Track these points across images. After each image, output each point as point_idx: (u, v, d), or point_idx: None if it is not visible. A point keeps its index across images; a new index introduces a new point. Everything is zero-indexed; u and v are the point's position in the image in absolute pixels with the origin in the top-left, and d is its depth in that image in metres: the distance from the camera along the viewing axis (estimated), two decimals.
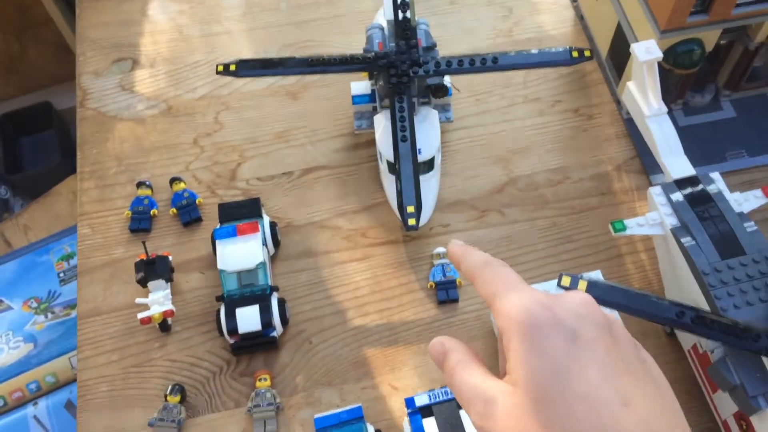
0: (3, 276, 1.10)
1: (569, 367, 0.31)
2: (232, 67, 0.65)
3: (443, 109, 0.74)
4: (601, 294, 0.52)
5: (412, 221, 0.63)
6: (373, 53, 0.67)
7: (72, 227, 1.14)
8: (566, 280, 0.53)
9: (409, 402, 0.58)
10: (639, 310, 0.52)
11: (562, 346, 0.32)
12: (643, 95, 0.65)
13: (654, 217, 0.61)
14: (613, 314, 0.57)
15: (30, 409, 0.98)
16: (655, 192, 0.61)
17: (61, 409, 0.99)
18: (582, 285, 0.53)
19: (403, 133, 0.64)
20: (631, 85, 0.66)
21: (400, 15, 0.68)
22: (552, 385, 0.31)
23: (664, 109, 0.64)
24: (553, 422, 0.31)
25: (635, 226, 0.61)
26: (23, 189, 1.75)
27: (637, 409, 0.31)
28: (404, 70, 0.66)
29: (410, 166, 0.64)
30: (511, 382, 0.33)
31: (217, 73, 0.65)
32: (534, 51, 0.68)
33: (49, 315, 1.06)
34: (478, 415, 0.34)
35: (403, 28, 0.67)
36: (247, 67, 0.66)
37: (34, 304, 1.07)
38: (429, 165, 0.69)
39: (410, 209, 0.63)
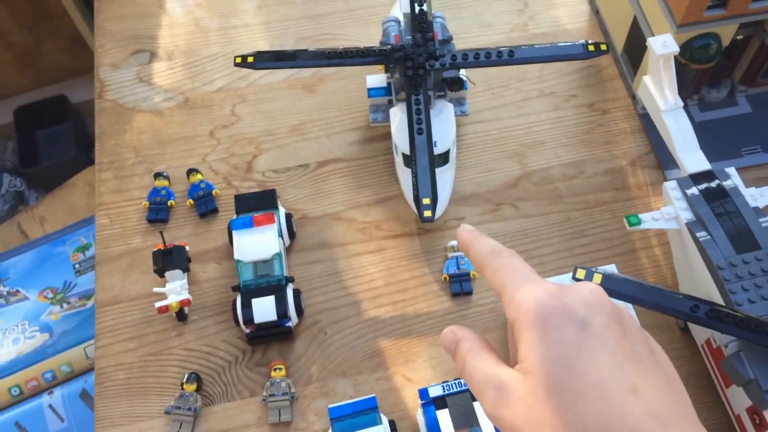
0: (19, 267, 1.11)
1: (579, 356, 0.32)
2: (250, 59, 0.66)
3: (458, 102, 0.74)
4: (616, 287, 0.53)
5: (427, 213, 0.63)
6: (390, 46, 0.67)
7: (88, 219, 1.16)
8: (581, 273, 0.53)
9: (423, 393, 0.58)
10: (653, 303, 0.53)
11: (573, 334, 0.32)
12: (659, 90, 0.65)
13: (669, 212, 0.61)
14: (627, 307, 0.57)
15: (45, 399, 1.00)
16: (671, 186, 0.61)
17: (76, 398, 1.00)
18: (597, 278, 0.53)
19: (419, 126, 0.65)
20: (647, 80, 0.66)
21: (417, 8, 0.68)
22: (563, 373, 0.32)
23: (680, 103, 0.64)
24: (565, 409, 0.31)
25: (650, 221, 0.61)
26: (38, 181, 1.77)
27: (645, 397, 0.31)
28: (420, 63, 0.67)
29: (426, 159, 0.64)
30: (523, 370, 0.33)
31: (235, 64, 0.66)
32: (550, 45, 0.68)
33: (65, 305, 1.07)
34: (490, 402, 0.34)
35: (420, 21, 0.68)
36: (265, 59, 0.66)
37: (50, 295, 1.09)
38: (444, 158, 0.70)
39: (426, 201, 0.63)
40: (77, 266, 1.11)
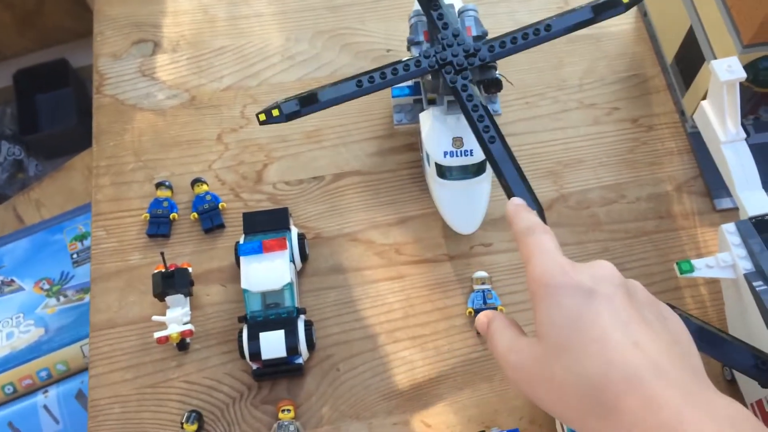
0: (15, 254, 1.06)
1: (585, 317, 0.36)
2: (275, 113, 0.57)
3: (489, 100, 0.67)
4: None
5: None
6: (418, 57, 0.59)
7: (86, 205, 1.10)
8: None
9: None
10: (713, 349, 0.49)
11: (580, 301, 0.36)
12: (720, 118, 0.58)
13: (725, 259, 0.55)
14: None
15: (40, 398, 0.95)
16: (728, 230, 0.55)
17: (72, 399, 0.95)
18: None
19: (490, 135, 0.56)
20: (705, 105, 0.59)
21: (433, 12, 0.59)
22: (570, 333, 0.36)
23: (743, 134, 0.57)
24: (571, 364, 0.35)
25: (704, 268, 0.55)
26: (38, 149, 1.70)
27: (646, 350, 0.34)
28: (461, 65, 0.58)
29: (512, 168, 0.55)
30: (537, 336, 0.38)
31: (261, 123, 0.57)
32: (584, 6, 0.58)
33: (62, 298, 1.02)
34: (511, 366, 0.39)
35: (438, 19, 0.59)
36: (292, 110, 0.57)
37: (46, 286, 1.03)
38: (480, 167, 0.63)
39: None
40: (75, 256, 1.06)
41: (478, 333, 0.63)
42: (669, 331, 0.37)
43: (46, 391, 0.96)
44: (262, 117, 0.57)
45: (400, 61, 0.58)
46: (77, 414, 0.95)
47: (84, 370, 0.98)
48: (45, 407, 0.95)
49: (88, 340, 0.64)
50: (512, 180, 0.54)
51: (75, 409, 0.95)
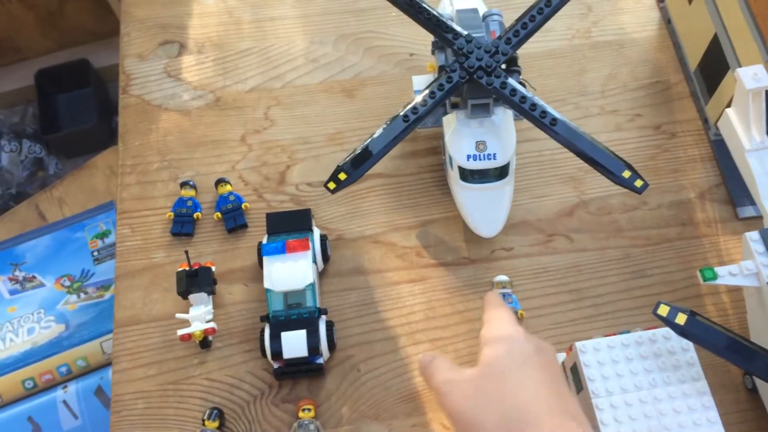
0: (37, 251, 1.07)
1: (529, 361, 0.45)
2: (342, 176, 0.57)
3: None
4: (699, 331, 0.50)
5: (638, 183, 0.57)
6: (449, 73, 0.59)
7: (107, 203, 1.11)
8: (664, 310, 0.51)
9: None
10: (737, 357, 0.50)
11: (530, 349, 0.46)
12: (745, 126, 0.58)
13: (749, 267, 0.55)
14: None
15: (59, 393, 0.96)
16: (752, 238, 0.55)
17: (91, 395, 0.96)
18: (681, 318, 0.50)
19: (548, 118, 0.57)
20: (730, 113, 0.59)
21: (424, 16, 0.59)
22: (512, 366, 0.45)
23: None
24: (505, 389, 0.44)
25: (727, 275, 0.55)
26: (58, 148, 1.72)
27: (567, 400, 0.44)
28: (490, 66, 0.58)
29: (585, 139, 0.56)
30: (479, 363, 0.46)
31: (332, 191, 0.57)
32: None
33: (82, 295, 1.03)
34: (444, 384, 0.46)
35: (437, 25, 0.59)
36: (354, 167, 0.57)
37: (67, 283, 1.05)
38: (503, 171, 0.63)
39: (626, 174, 0.57)
40: (95, 254, 1.07)
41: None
42: (575, 400, 0.46)
43: (66, 387, 0.97)
44: (332, 185, 0.57)
45: (433, 83, 0.58)
46: (96, 409, 0.95)
47: (103, 366, 0.99)
48: (64, 402, 0.96)
49: (112, 336, 0.65)
50: (590, 149, 0.55)
51: (94, 405, 0.96)
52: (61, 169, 1.71)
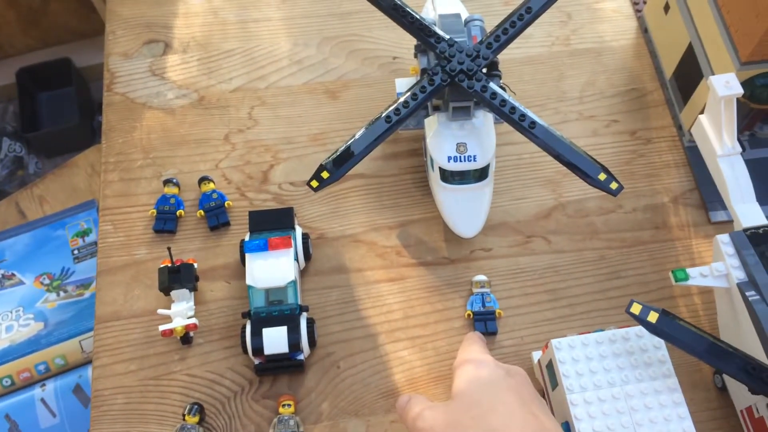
0: (16, 248, 1.07)
1: (498, 386, 0.48)
2: (325, 174, 0.58)
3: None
4: (670, 329, 0.51)
5: (614, 185, 0.58)
6: (431, 76, 0.60)
7: (88, 202, 1.11)
8: (636, 308, 0.52)
9: None
10: (707, 355, 0.51)
11: (498, 374, 0.49)
12: (717, 132, 0.60)
13: (719, 268, 0.56)
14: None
15: (37, 391, 0.96)
16: (723, 241, 0.57)
17: (69, 393, 0.96)
18: (653, 316, 0.52)
19: (527, 122, 0.58)
20: (703, 119, 0.61)
21: (408, 20, 0.61)
22: (484, 394, 0.47)
23: (739, 148, 0.59)
24: (479, 416, 0.45)
25: (698, 276, 0.57)
26: (38, 147, 1.71)
27: (540, 419, 0.46)
28: (472, 70, 0.59)
29: (562, 141, 0.58)
30: (453, 395, 0.48)
31: (315, 189, 0.58)
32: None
33: (62, 293, 1.03)
34: (421, 419, 0.48)
35: (419, 29, 0.61)
36: (337, 166, 0.58)
37: (47, 281, 1.04)
38: (483, 173, 0.64)
39: (602, 177, 0.57)
40: (76, 252, 1.07)
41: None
42: (551, 417, 0.47)
43: (44, 385, 0.96)
44: (315, 184, 0.58)
45: (416, 85, 0.59)
46: (74, 408, 0.95)
47: (82, 364, 0.98)
48: (42, 400, 0.96)
49: (93, 332, 0.65)
50: (567, 152, 0.57)
51: (72, 403, 0.96)
52: (41, 168, 1.70)
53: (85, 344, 0.98)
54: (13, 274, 1.05)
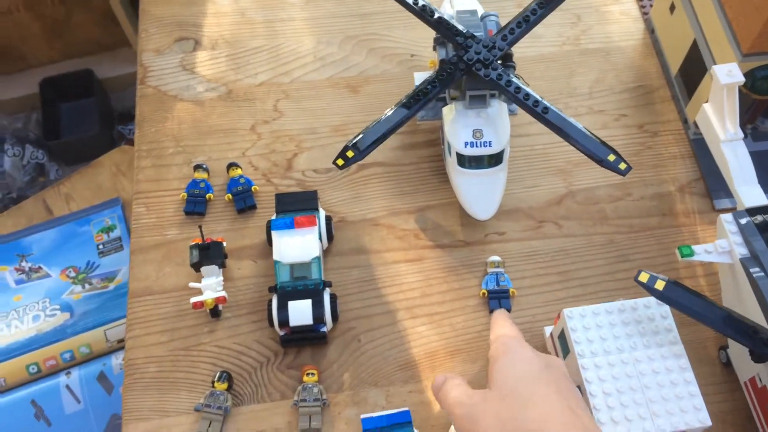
0: (43, 243, 1.11)
1: (537, 377, 0.47)
2: (350, 154, 0.62)
3: (508, 101, 0.72)
4: (677, 297, 0.54)
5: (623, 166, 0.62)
6: (449, 66, 0.64)
7: (113, 200, 1.15)
8: (644, 277, 0.56)
9: None
10: (711, 320, 0.54)
11: (537, 365, 0.48)
12: (720, 119, 0.63)
13: (723, 245, 0.59)
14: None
15: (63, 378, 0.99)
16: (726, 219, 0.60)
17: (94, 380, 0.99)
18: (660, 284, 0.55)
19: (541, 107, 0.62)
20: (707, 107, 0.65)
21: (431, 17, 0.65)
22: (521, 384, 0.47)
23: (741, 134, 0.63)
24: (516, 407, 0.45)
25: (703, 253, 0.60)
26: (60, 155, 1.76)
27: (579, 415, 0.45)
28: (488, 59, 0.63)
29: (575, 126, 0.62)
30: (490, 384, 0.48)
31: (340, 168, 0.63)
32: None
33: (87, 286, 1.07)
34: (459, 405, 0.48)
35: (439, 24, 0.65)
36: (362, 147, 0.62)
37: (72, 274, 1.08)
38: (497, 158, 0.68)
39: (611, 158, 0.62)
40: (101, 247, 1.11)
41: (491, 311, 0.67)
42: (587, 411, 0.47)
43: (69, 372, 1.00)
44: (341, 162, 0.62)
45: (436, 72, 0.63)
46: (98, 394, 0.98)
47: (106, 353, 1.02)
48: (67, 387, 0.99)
49: (127, 306, 0.68)
50: (579, 134, 0.61)
51: (96, 390, 0.99)
52: (61, 176, 1.75)
53: (110, 334, 1.02)
54: (39, 267, 1.09)
